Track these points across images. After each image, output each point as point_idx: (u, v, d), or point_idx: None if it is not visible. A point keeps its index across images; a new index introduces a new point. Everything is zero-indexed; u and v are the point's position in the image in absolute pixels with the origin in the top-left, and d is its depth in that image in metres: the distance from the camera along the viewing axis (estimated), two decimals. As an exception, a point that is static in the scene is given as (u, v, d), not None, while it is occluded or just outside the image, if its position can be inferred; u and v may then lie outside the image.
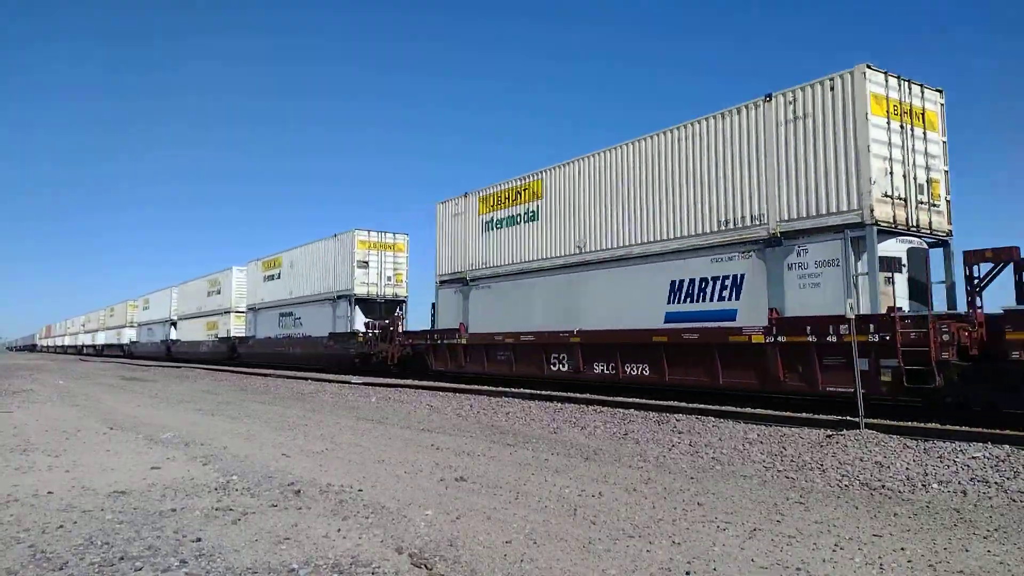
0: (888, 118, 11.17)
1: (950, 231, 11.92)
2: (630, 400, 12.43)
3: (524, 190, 17.64)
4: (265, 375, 24.61)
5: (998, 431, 7.75)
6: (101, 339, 68.52)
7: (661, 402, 11.79)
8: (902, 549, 4.24)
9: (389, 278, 26.83)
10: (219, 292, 38.45)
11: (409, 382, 18.33)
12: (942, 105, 12.16)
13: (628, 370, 13.92)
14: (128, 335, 57.68)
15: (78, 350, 79.49)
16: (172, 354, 44.94)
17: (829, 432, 8.44)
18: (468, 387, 16.35)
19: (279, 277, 31.82)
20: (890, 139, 11.14)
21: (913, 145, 11.51)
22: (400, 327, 22.96)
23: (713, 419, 10.00)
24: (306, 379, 21.81)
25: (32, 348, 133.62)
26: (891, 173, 11.02)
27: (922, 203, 11.46)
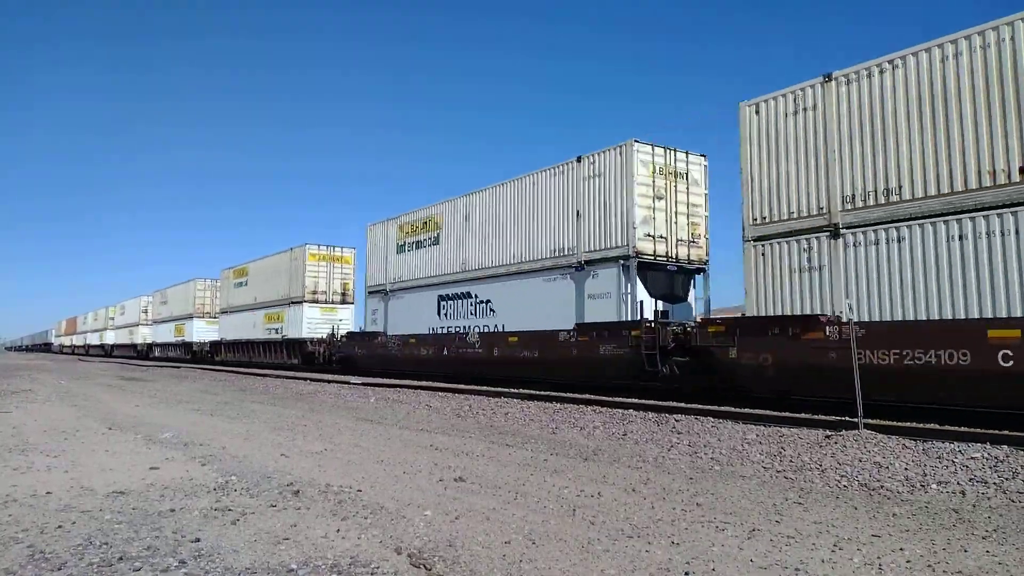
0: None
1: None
2: (629, 400, 12.44)
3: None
4: (264, 375, 24.60)
5: (996, 431, 7.76)
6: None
7: (660, 402, 11.80)
8: (901, 549, 4.24)
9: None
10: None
11: (408, 383, 18.33)
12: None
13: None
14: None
15: (139, 352, 52.07)
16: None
17: (828, 433, 8.44)
18: (467, 387, 16.36)
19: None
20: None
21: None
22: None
23: (712, 419, 10.00)
24: (305, 379, 21.80)
25: (46, 348, 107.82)
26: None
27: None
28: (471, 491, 5.83)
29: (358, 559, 3.94)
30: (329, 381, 20.43)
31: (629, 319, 14.25)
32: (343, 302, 30.54)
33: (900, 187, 9.96)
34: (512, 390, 14.97)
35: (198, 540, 4.26)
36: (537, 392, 14.12)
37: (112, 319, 64.38)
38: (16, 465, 6.80)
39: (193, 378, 24.78)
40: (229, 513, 4.93)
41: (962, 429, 8.15)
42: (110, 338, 63.24)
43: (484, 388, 16.00)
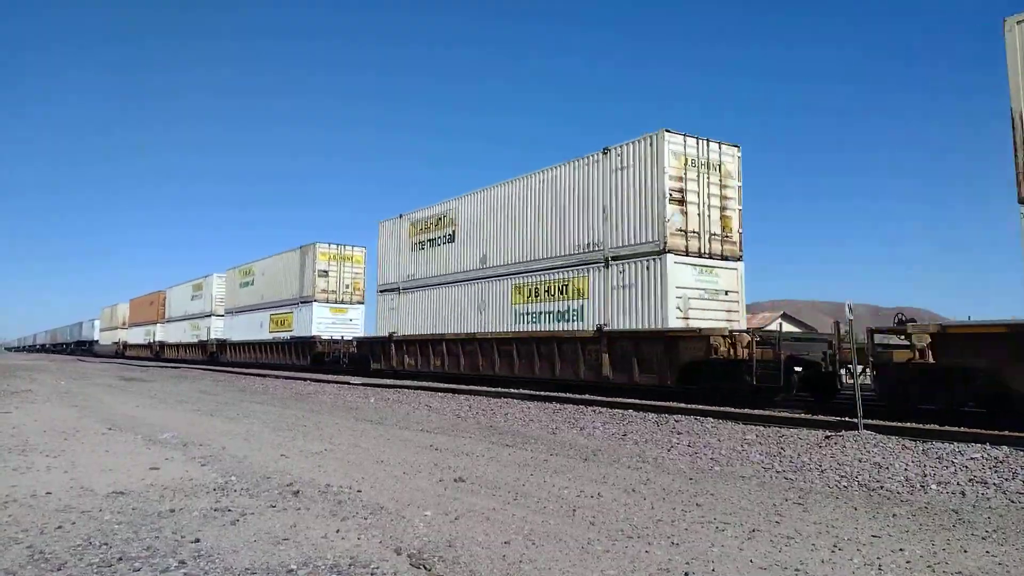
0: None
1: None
2: (629, 401, 12.45)
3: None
4: (264, 375, 24.60)
5: (996, 432, 7.76)
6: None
7: (660, 403, 11.80)
8: (901, 550, 4.24)
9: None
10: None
11: (408, 383, 18.34)
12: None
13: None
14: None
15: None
16: None
17: (828, 433, 8.45)
18: (467, 388, 16.36)
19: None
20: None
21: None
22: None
23: (712, 420, 10.01)
24: (304, 380, 21.80)
25: (81, 349, 73.78)
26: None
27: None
28: (471, 491, 5.83)
29: (358, 559, 3.94)
30: (329, 381, 20.43)
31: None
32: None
33: None
34: (512, 390, 14.97)
35: (198, 540, 4.26)
36: (537, 392, 14.13)
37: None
38: (16, 465, 6.79)
39: (193, 378, 24.77)
40: (229, 513, 4.93)
41: (962, 429, 8.15)
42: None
43: (484, 388, 16.00)
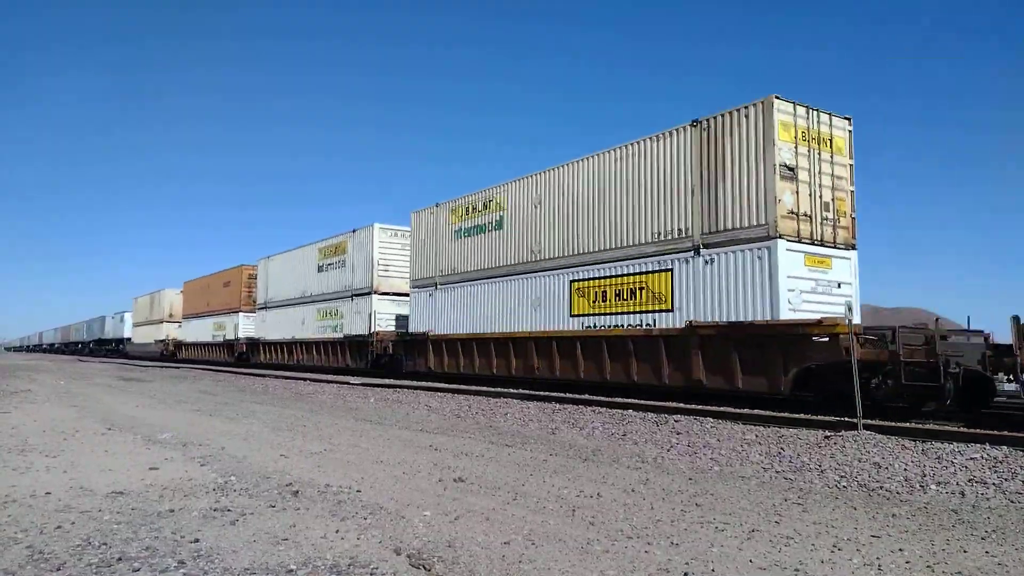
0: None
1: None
2: (628, 401, 12.44)
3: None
4: (264, 375, 24.59)
5: (996, 432, 7.77)
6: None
7: (659, 403, 11.80)
8: (900, 550, 4.24)
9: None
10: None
11: (407, 383, 18.34)
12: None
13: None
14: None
15: None
16: None
17: (827, 433, 8.45)
18: (467, 388, 16.36)
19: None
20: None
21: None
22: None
23: (712, 420, 10.00)
24: (304, 379, 21.80)
25: (111, 350, 59.62)
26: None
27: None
28: (470, 491, 5.83)
29: (357, 560, 3.94)
30: (329, 381, 20.42)
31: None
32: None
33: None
34: (512, 390, 14.98)
35: (197, 541, 4.26)
36: (536, 392, 14.13)
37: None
38: (15, 465, 6.79)
39: (192, 379, 24.76)
40: (228, 514, 4.93)
41: (961, 429, 8.16)
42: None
43: (484, 388, 16.01)
